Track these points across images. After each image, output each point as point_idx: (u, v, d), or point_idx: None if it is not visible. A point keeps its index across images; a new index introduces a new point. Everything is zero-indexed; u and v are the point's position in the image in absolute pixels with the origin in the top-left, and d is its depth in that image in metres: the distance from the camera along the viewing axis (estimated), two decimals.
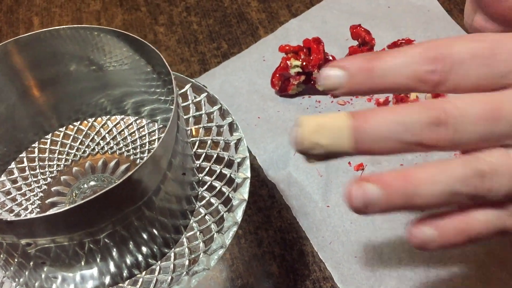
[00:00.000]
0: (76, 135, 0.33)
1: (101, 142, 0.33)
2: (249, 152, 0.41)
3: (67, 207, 0.21)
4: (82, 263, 0.25)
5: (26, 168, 0.31)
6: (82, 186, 0.30)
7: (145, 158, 0.22)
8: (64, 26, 0.25)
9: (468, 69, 0.23)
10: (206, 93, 0.32)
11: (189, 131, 0.32)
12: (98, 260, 0.25)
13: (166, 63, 0.25)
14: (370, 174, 0.24)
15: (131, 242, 0.25)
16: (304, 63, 0.42)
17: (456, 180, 0.22)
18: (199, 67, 0.48)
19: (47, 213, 0.21)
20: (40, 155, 0.32)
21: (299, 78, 0.43)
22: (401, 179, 0.23)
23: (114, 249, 0.25)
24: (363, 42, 0.44)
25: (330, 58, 0.46)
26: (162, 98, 0.30)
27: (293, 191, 0.38)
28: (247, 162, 0.29)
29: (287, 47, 0.44)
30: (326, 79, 0.24)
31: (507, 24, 0.30)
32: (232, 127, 0.31)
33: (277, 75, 0.44)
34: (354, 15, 0.50)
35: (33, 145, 0.32)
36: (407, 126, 0.22)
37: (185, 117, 0.32)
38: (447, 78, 0.23)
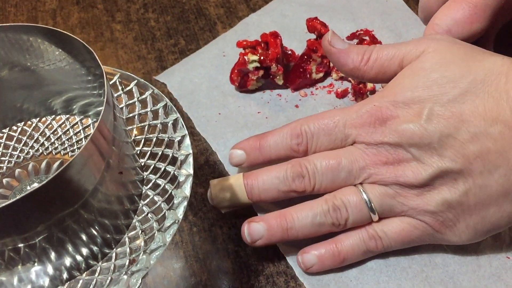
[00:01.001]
0: (20, 136, 0.32)
1: (45, 142, 0.32)
2: (210, 148, 0.41)
3: None
4: (19, 266, 0.25)
5: None
6: (24, 188, 0.30)
7: (73, 157, 0.21)
8: None
9: (319, 138, 0.33)
10: (151, 90, 0.32)
11: (134, 130, 0.31)
12: (35, 264, 0.25)
13: (99, 61, 0.25)
14: (257, 217, 0.34)
15: (69, 245, 0.25)
16: (262, 58, 0.42)
17: (319, 214, 0.32)
18: (156, 64, 0.47)
19: None
20: None
21: (257, 73, 0.43)
22: (279, 218, 0.33)
23: (52, 252, 0.25)
24: (319, 35, 0.44)
25: (289, 52, 0.46)
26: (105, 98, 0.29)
27: None
28: (190, 159, 0.29)
29: (244, 42, 0.43)
30: (232, 159, 0.36)
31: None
32: (176, 124, 0.30)
33: (236, 71, 0.43)
34: (313, 8, 0.50)
35: None
36: (281, 179, 0.33)
37: (130, 115, 0.32)
38: (309, 147, 0.34)
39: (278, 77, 0.43)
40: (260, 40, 0.43)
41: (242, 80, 0.44)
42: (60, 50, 0.27)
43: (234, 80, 0.44)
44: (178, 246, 0.36)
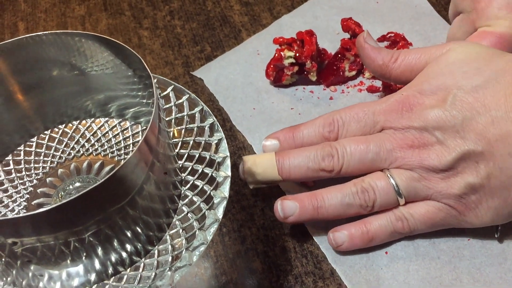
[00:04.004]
0: (61, 137, 0.33)
1: (86, 144, 0.33)
2: (238, 151, 0.42)
3: (51, 206, 0.21)
4: (68, 261, 0.26)
5: (12, 171, 0.32)
6: (67, 188, 0.31)
7: (126, 158, 0.23)
8: (46, 32, 0.25)
9: (350, 126, 0.36)
10: (187, 95, 0.33)
11: (171, 133, 0.32)
12: (83, 258, 0.26)
13: (147, 67, 0.26)
14: (289, 195, 0.36)
15: (115, 241, 0.26)
16: (298, 54, 0.44)
17: (348, 195, 0.34)
18: (183, 70, 0.48)
19: (32, 212, 0.21)
20: (26, 157, 0.32)
21: (292, 69, 0.45)
22: (310, 197, 0.35)
23: (99, 247, 0.26)
24: (353, 34, 0.45)
25: (323, 52, 0.48)
26: (144, 101, 0.31)
27: None
28: (228, 161, 0.30)
29: (281, 39, 0.45)
30: (265, 147, 0.38)
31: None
32: (213, 128, 0.31)
33: (272, 66, 0.45)
34: (344, 10, 0.52)
35: (19, 148, 0.33)
36: (311, 158, 0.35)
37: (167, 118, 0.33)
38: (339, 134, 0.36)
39: (312, 74, 0.45)
40: (296, 37, 0.45)
41: (277, 75, 0.46)
42: (108, 54, 0.28)
43: (269, 75, 0.46)
44: (209, 246, 0.37)
